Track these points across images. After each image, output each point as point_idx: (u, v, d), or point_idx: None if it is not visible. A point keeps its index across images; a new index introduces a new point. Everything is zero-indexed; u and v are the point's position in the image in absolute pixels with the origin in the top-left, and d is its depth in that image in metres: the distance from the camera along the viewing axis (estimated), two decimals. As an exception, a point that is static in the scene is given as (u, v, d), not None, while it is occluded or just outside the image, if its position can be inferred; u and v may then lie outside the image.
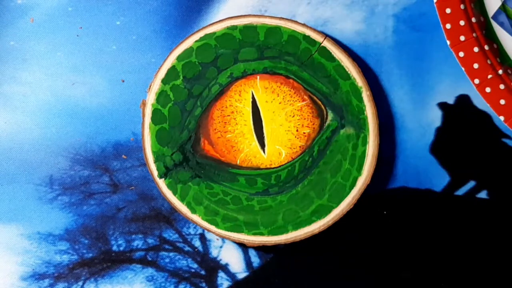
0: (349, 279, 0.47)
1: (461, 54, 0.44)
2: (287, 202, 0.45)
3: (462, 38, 0.44)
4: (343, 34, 0.46)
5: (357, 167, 0.44)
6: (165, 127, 0.44)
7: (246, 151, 0.45)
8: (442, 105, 0.46)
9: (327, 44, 0.44)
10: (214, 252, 0.47)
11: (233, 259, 0.47)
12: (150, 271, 0.48)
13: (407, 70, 0.46)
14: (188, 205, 0.45)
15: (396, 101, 0.46)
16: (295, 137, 0.45)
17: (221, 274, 0.48)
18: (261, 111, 0.44)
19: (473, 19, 0.44)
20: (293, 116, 0.44)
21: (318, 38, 0.44)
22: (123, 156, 0.47)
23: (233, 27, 0.44)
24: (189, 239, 0.47)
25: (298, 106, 0.44)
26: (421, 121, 0.46)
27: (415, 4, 0.46)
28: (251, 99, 0.45)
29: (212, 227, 0.45)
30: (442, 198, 0.47)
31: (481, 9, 0.45)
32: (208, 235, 0.47)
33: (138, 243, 0.48)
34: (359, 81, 0.44)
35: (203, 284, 0.48)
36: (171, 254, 0.48)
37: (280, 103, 0.44)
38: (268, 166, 0.45)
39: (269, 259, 0.47)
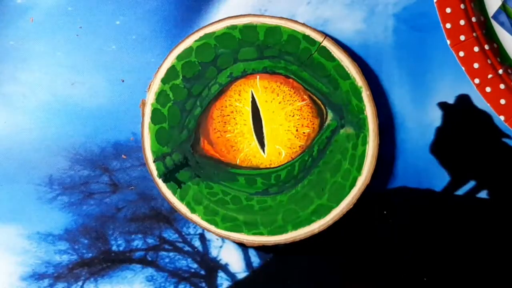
0: (349, 279, 0.47)
1: (461, 53, 0.44)
2: (286, 202, 0.45)
3: (462, 37, 0.44)
4: (343, 34, 0.46)
5: (357, 167, 0.44)
6: (164, 126, 0.44)
7: (246, 151, 0.45)
8: (442, 105, 0.46)
9: (327, 44, 0.44)
10: (214, 252, 0.47)
11: (233, 259, 0.47)
12: (150, 271, 0.48)
13: (407, 70, 0.46)
14: (188, 205, 0.45)
15: (396, 101, 0.46)
16: (295, 136, 0.44)
17: (221, 274, 0.48)
18: (261, 110, 0.44)
19: (473, 19, 0.44)
20: (293, 116, 0.44)
21: (318, 37, 0.44)
22: (123, 156, 0.47)
23: (233, 27, 0.44)
24: (189, 239, 0.47)
25: (297, 105, 0.44)
26: (421, 121, 0.46)
27: (415, 4, 0.46)
28: (250, 99, 0.44)
29: (212, 227, 0.45)
30: (442, 198, 0.47)
31: (481, 8, 0.45)
32: (208, 235, 0.47)
33: (137, 243, 0.47)
34: (359, 80, 0.44)
35: (203, 284, 0.48)
36: (171, 254, 0.48)
37: (280, 102, 0.44)
38: (268, 166, 0.45)
39: (269, 259, 0.47)
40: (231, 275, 0.48)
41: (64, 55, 0.46)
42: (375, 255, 0.47)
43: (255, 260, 0.47)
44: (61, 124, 0.46)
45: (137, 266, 0.48)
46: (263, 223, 0.45)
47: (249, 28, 0.44)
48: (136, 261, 0.48)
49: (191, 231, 0.47)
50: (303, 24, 0.44)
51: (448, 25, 0.44)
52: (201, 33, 0.44)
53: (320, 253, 0.47)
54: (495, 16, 0.45)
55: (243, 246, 0.47)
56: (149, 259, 0.48)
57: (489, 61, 0.44)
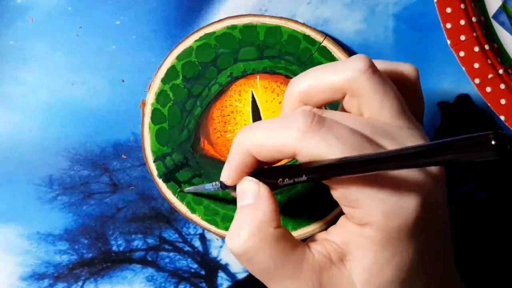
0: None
1: (462, 53, 0.44)
2: (286, 201, 0.45)
3: (462, 37, 0.44)
4: (343, 33, 0.46)
5: (357, 167, 0.44)
6: (164, 126, 0.44)
7: (246, 151, 0.45)
8: (442, 105, 0.46)
9: (327, 44, 0.44)
10: (214, 252, 0.47)
11: (233, 259, 0.47)
12: (150, 271, 0.48)
13: (407, 70, 0.46)
14: (188, 205, 0.45)
15: (396, 101, 0.46)
16: (295, 137, 0.44)
17: (221, 274, 0.48)
18: (261, 110, 0.44)
19: (474, 19, 0.44)
20: (293, 116, 0.44)
21: (318, 37, 0.43)
22: (123, 156, 0.47)
23: (233, 27, 0.44)
24: (189, 239, 0.47)
25: (298, 105, 0.44)
26: (421, 121, 0.46)
27: (415, 4, 0.46)
28: (251, 99, 0.44)
29: (212, 227, 0.45)
30: (442, 198, 0.47)
31: (481, 8, 0.45)
32: (208, 235, 0.47)
33: (138, 243, 0.47)
34: (359, 80, 0.44)
35: (203, 284, 0.48)
36: (171, 254, 0.47)
37: (280, 102, 0.44)
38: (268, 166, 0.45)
39: (269, 259, 0.47)
40: (231, 275, 0.48)
41: (64, 55, 0.46)
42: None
43: (255, 260, 0.47)
44: (61, 124, 0.46)
45: (137, 266, 0.48)
46: (263, 223, 0.44)
47: (249, 28, 0.44)
48: (136, 261, 0.48)
49: (191, 231, 0.47)
50: (303, 24, 0.44)
51: (448, 25, 0.44)
52: (201, 33, 0.44)
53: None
54: (495, 16, 0.45)
55: (243, 246, 0.47)
56: (149, 259, 0.48)
57: (489, 61, 0.44)
